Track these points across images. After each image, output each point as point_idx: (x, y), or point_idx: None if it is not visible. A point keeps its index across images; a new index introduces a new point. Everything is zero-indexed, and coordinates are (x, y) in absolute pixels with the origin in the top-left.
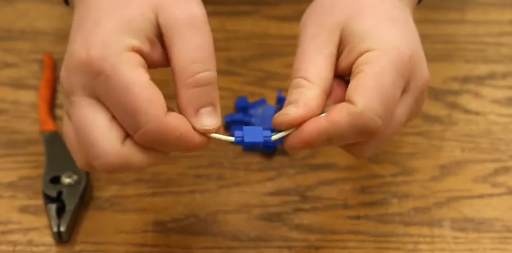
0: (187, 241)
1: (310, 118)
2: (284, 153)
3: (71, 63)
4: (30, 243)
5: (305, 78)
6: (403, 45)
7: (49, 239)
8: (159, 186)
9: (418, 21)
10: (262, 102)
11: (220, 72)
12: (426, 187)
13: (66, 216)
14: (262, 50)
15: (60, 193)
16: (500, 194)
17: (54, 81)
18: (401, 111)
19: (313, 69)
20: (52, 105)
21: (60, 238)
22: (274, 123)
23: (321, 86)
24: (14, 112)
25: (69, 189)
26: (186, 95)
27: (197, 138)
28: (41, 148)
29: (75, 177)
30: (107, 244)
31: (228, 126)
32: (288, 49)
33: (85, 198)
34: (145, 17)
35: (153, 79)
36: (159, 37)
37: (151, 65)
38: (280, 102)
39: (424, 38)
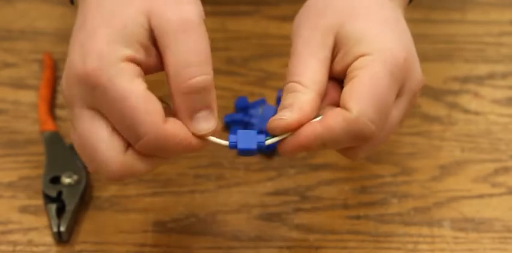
0: (187, 241)
1: (305, 123)
2: None
3: (70, 74)
4: (30, 243)
5: (299, 83)
6: (398, 47)
7: (49, 239)
8: (159, 186)
9: (418, 21)
10: (262, 102)
11: (220, 72)
12: (426, 187)
13: (66, 216)
14: (262, 50)
15: (60, 193)
16: (500, 194)
17: (54, 81)
18: (396, 114)
19: (308, 73)
20: (52, 105)
21: (60, 238)
22: (269, 128)
23: (316, 90)
24: (14, 112)
25: (69, 189)
26: (181, 101)
27: (195, 141)
28: (41, 148)
29: (75, 177)
30: (107, 244)
31: (228, 126)
32: (288, 49)
33: (85, 198)
34: (138, 23)
35: (148, 80)
36: (154, 40)
37: (148, 71)
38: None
39: (424, 38)
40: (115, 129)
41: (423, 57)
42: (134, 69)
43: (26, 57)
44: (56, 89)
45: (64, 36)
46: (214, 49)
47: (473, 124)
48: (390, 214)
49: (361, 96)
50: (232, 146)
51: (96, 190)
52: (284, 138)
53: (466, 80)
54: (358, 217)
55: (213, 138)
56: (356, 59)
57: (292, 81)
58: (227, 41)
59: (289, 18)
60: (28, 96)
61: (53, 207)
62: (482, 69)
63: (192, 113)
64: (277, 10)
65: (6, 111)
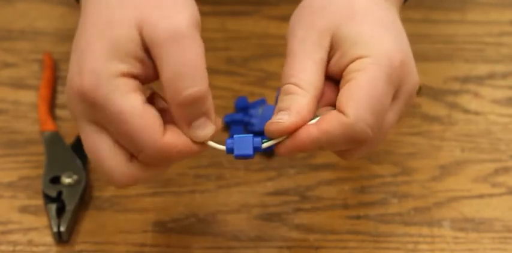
0: (187, 241)
1: (302, 126)
2: None
3: (70, 91)
4: (30, 243)
5: (296, 85)
6: (394, 50)
7: (49, 239)
8: (159, 186)
9: (418, 21)
10: (262, 102)
11: (220, 72)
12: (426, 187)
13: (66, 216)
14: (262, 50)
15: (60, 193)
16: (500, 194)
17: (54, 81)
18: (391, 116)
19: (304, 75)
20: (52, 105)
21: (60, 238)
22: (267, 131)
23: (312, 92)
24: (14, 112)
25: (69, 189)
26: (176, 111)
27: (195, 147)
28: (41, 148)
29: (75, 177)
30: (107, 244)
31: (228, 126)
32: None
33: (85, 198)
34: (130, 37)
35: None
36: (149, 50)
37: (148, 80)
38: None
39: (424, 38)
40: (118, 142)
41: (423, 57)
42: (130, 83)
43: (26, 57)
44: (56, 89)
45: (64, 36)
46: (214, 49)
47: (473, 124)
48: (390, 214)
49: (358, 101)
50: (230, 151)
51: (96, 190)
52: (281, 141)
53: (466, 80)
54: (358, 217)
55: (212, 143)
56: (353, 61)
57: (289, 83)
58: (227, 41)
59: (289, 18)
60: (28, 96)
61: (53, 207)
62: (482, 69)
63: (189, 122)
64: (277, 10)
65: (6, 111)
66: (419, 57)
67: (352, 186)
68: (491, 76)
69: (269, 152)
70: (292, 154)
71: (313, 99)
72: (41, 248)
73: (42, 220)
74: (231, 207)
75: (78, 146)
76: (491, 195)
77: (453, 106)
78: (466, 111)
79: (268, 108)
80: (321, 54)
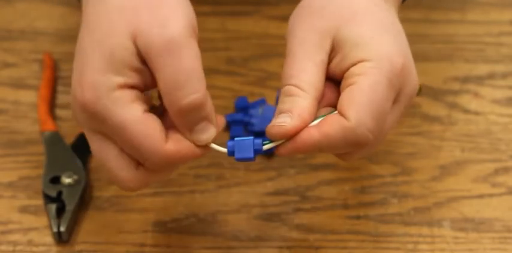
0: (187, 241)
1: (303, 128)
2: None
3: (73, 102)
4: (30, 243)
5: (297, 86)
6: (395, 52)
7: (49, 239)
8: (159, 186)
9: (418, 21)
10: (262, 102)
11: (220, 72)
12: (426, 187)
13: (66, 216)
14: (262, 50)
15: (60, 193)
16: (500, 194)
17: (54, 81)
18: (391, 119)
19: (305, 76)
20: (52, 105)
21: (60, 238)
22: (269, 134)
23: (313, 94)
24: (14, 112)
25: (69, 189)
26: (176, 117)
27: (198, 151)
28: (41, 148)
29: (75, 177)
30: (107, 244)
31: (228, 126)
32: None
33: (85, 198)
34: (124, 48)
35: None
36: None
37: (148, 87)
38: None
39: (424, 38)
40: (123, 150)
41: (423, 57)
42: (129, 94)
43: (26, 57)
44: (56, 89)
45: (64, 36)
46: (214, 49)
47: (473, 124)
48: (390, 214)
49: (360, 105)
50: (231, 154)
51: (96, 190)
52: (282, 143)
53: (466, 80)
54: (358, 217)
55: (214, 146)
56: (354, 64)
57: (290, 84)
58: (227, 41)
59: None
60: (28, 96)
61: (53, 207)
62: (482, 69)
63: (191, 127)
64: (277, 10)
65: (6, 111)
66: (419, 57)
67: (352, 186)
68: (491, 76)
69: (269, 152)
70: (292, 155)
71: (314, 101)
72: (41, 248)
73: (42, 220)
74: (231, 207)
75: (78, 146)
76: (491, 195)
77: (453, 106)
78: (466, 111)
79: (268, 108)
80: (321, 56)
